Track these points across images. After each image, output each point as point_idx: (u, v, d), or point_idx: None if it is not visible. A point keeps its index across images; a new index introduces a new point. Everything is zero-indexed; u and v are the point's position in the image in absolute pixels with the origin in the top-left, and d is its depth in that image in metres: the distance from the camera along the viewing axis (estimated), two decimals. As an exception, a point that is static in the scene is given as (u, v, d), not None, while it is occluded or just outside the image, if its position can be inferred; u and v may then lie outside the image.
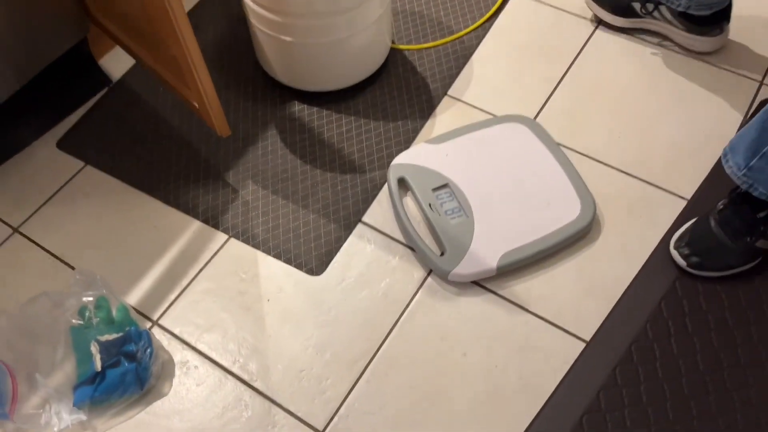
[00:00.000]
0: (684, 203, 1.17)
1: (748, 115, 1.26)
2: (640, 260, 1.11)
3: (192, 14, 1.46)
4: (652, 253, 1.12)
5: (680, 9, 1.28)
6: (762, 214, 1.04)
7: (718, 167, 1.20)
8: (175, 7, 0.96)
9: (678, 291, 1.07)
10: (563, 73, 1.34)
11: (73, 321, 1.04)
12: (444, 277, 1.09)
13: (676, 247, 1.09)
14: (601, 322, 1.05)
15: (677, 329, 1.04)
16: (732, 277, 1.08)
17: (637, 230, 1.14)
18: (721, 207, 1.08)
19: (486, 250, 1.08)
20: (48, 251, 1.16)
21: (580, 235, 1.13)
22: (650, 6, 1.32)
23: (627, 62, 1.35)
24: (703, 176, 1.19)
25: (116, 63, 1.39)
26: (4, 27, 1.12)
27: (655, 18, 1.34)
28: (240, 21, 1.44)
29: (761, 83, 1.30)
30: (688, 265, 1.08)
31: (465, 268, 1.07)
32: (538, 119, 1.28)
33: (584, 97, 1.30)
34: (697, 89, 1.30)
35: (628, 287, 1.08)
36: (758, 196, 1.01)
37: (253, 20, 1.21)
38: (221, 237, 1.17)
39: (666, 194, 1.18)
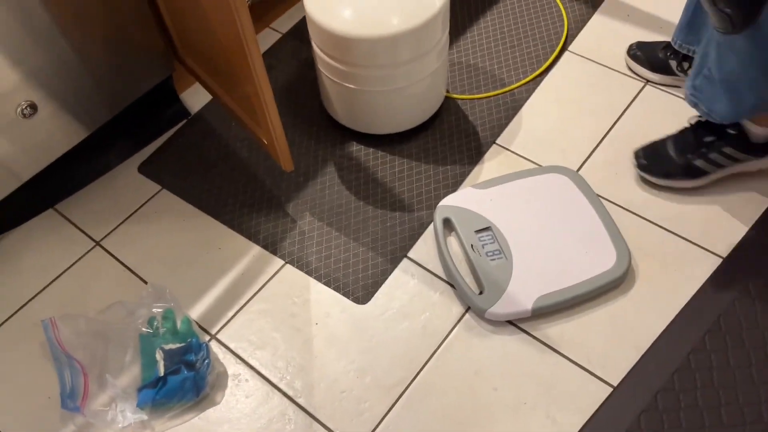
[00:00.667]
0: (719, 261, 1.21)
1: (788, 180, 1.30)
2: (672, 313, 1.15)
3: (266, 56, 1.60)
4: (684, 306, 1.16)
5: None
6: (708, 139, 1.24)
7: (755, 228, 1.24)
8: (252, 52, 1.07)
9: (707, 345, 1.11)
10: (608, 128, 1.41)
11: (143, 329, 1.15)
12: (481, 314, 1.16)
13: (635, 152, 1.32)
14: (629, 369, 1.10)
15: (703, 382, 1.07)
16: (760, 333, 1.11)
17: (671, 284, 1.19)
18: (681, 129, 1.29)
19: (522, 292, 1.15)
20: (124, 264, 1.28)
21: (614, 285, 1.18)
22: (685, 65, 1.39)
23: (671, 120, 1.41)
24: (740, 236, 1.23)
25: (195, 98, 1.53)
26: (103, 64, 1.27)
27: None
28: (308, 65, 1.57)
29: (804, 149, 1.34)
30: (637, 166, 1.31)
31: (501, 308, 1.14)
32: (581, 171, 1.35)
33: (627, 153, 1.36)
34: (738, 151, 1.35)
35: (658, 338, 1.13)
36: (701, 114, 1.20)
37: (321, 67, 1.33)
38: (278, 262, 1.27)
39: (701, 251, 1.22)
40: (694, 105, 1.20)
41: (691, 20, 1.30)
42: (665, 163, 1.28)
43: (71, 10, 1.16)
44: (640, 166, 1.30)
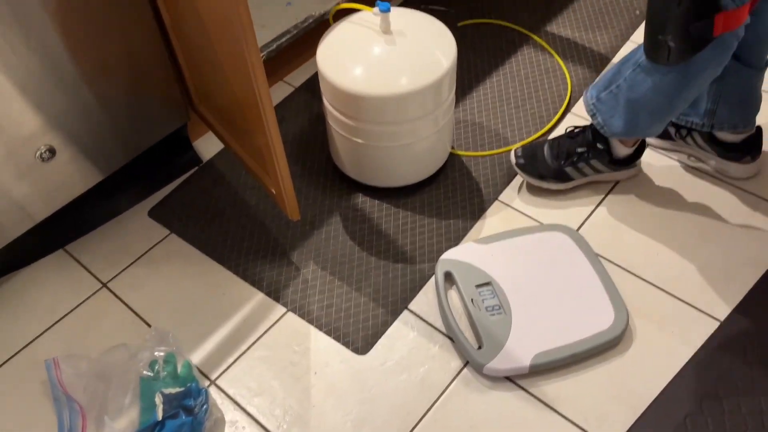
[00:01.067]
0: (717, 324, 1.22)
1: (785, 246, 1.32)
2: (669, 375, 1.16)
3: (279, 108, 1.65)
4: (681, 369, 1.16)
5: (705, 130, 1.38)
6: (579, 150, 1.37)
7: (753, 293, 1.25)
8: (265, 107, 1.12)
9: (703, 410, 1.11)
10: (609, 189, 1.44)
11: (144, 372, 1.16)
12: (479, 369, 1.16)
13: (514, 151, 1.44)
14: (625, 430, 1.10)
15: (700, 446, 1.07)
16: (756, 399, 1.11)
17: (668, 346, 1.19)
18: (558, 136, 1.43)
19: (520, 349, 1.16)
20: (129, 307, 1.31)
21: (612, 344, 1.19)
22: (683, 131, 1.43)
23: (670, 184, 1.44)
24: (738, 300, 1.25)
25: (207, 146, 1.58)
26: (123, 112, 1.32)
27: (687, 143, 1.44)
28: (319, 118, 1.62)
29: (801, 216, 1.37)
30: (516, 164, 1.43)
31: (499, 364, 1.15)
32: (581, 230, 1.37)
33: (627, 214, 1.39)
34: (735, 215, 1.38)
35: (655, 400, 1.13)
36: (596, 124, 1.30)
37: (330, 121, 1.38)
38: (280, 310, 1.29)
39: (699, 314, 1.24)
40: (593, 115, 1.30)
41: None
42: (540, 166, 1.41)
43: (97, 60, 1.22)
44: (518, 165, 1.43)
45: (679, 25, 1.05)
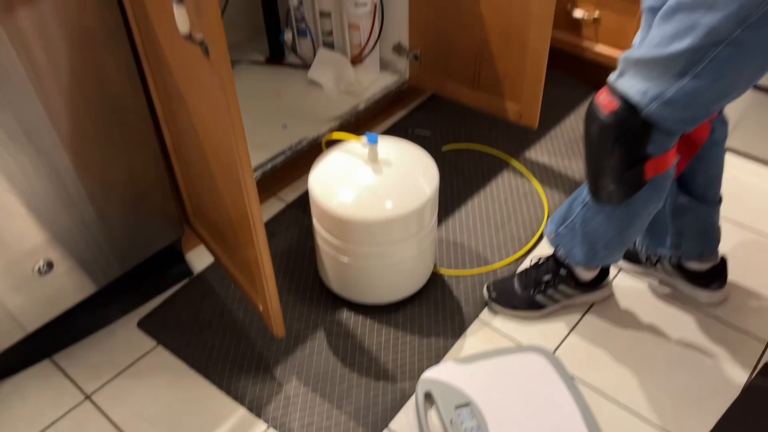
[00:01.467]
0: (691, 451, 1.24)
1: (753, 375, 1.36)
2: (645, 504, 1.17)
3: (270, 223, 1.73)
4: (657, 497, 1.17)
5: (673, 261, 1.47)
6: (546, 278, 1.44)
7: (723, 421, 1.28)
8: (257, 228, 1.18)
9: None
10: (584, 311, 1.50)
11: (120, 490, 1.16)
12: (457, 494, 1.17)
13: (486, 286, 1.51)
14: None
15: None
16: None
17: (644, 472, 1.21)
18: (525, 268, 1.50)
19: (498, 474, 1.17)
20: (111, 420, 1.31)
21: (588, 471, 1.20)
22: (654, 258, 1.51)
23: (642, 308, 1.50)
24: (709, 427, 1.27)
25: (199, 258, 1.64)
26: (121, 226, 1.38)
27: (657, 269, 1.52)
28: (308, 233, 1.69)
29: (766, 347, 1.42)
30: (488, 297, 1.50)
31: (477, 489, 1.15)
32: (557, 352, 1.42)
33: (601, 336, 1.44)
34: (706, 342, 1.43)
35: None
36: (559, 256, 1.41)
37: (319, 240, 1.45)
38: (261, 426, 1.30)
39: (673, 440, 1.26)
40: (556, 246, 1.41)
41: (647, 232, 1.47)
42: (511, 297, 1.48)
43: (101, 179, 1.29)
44: (491, 298, 1.50)
45: (615, 173, 1.18)
